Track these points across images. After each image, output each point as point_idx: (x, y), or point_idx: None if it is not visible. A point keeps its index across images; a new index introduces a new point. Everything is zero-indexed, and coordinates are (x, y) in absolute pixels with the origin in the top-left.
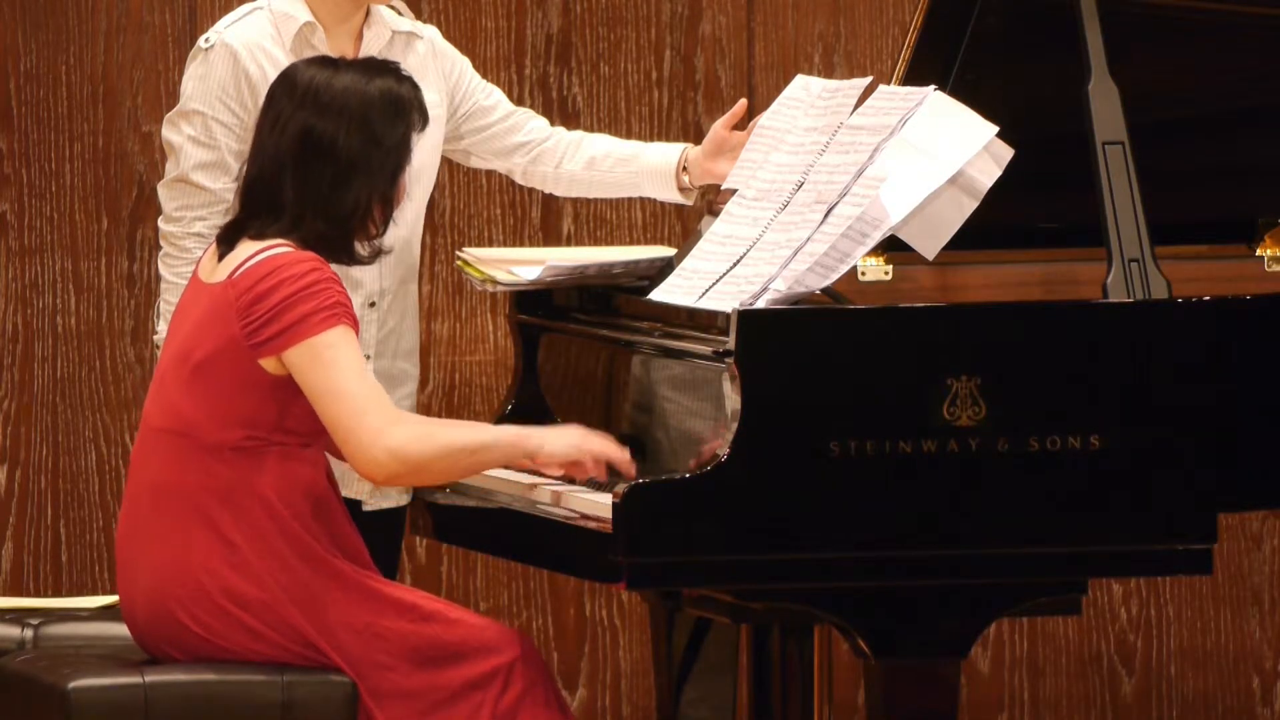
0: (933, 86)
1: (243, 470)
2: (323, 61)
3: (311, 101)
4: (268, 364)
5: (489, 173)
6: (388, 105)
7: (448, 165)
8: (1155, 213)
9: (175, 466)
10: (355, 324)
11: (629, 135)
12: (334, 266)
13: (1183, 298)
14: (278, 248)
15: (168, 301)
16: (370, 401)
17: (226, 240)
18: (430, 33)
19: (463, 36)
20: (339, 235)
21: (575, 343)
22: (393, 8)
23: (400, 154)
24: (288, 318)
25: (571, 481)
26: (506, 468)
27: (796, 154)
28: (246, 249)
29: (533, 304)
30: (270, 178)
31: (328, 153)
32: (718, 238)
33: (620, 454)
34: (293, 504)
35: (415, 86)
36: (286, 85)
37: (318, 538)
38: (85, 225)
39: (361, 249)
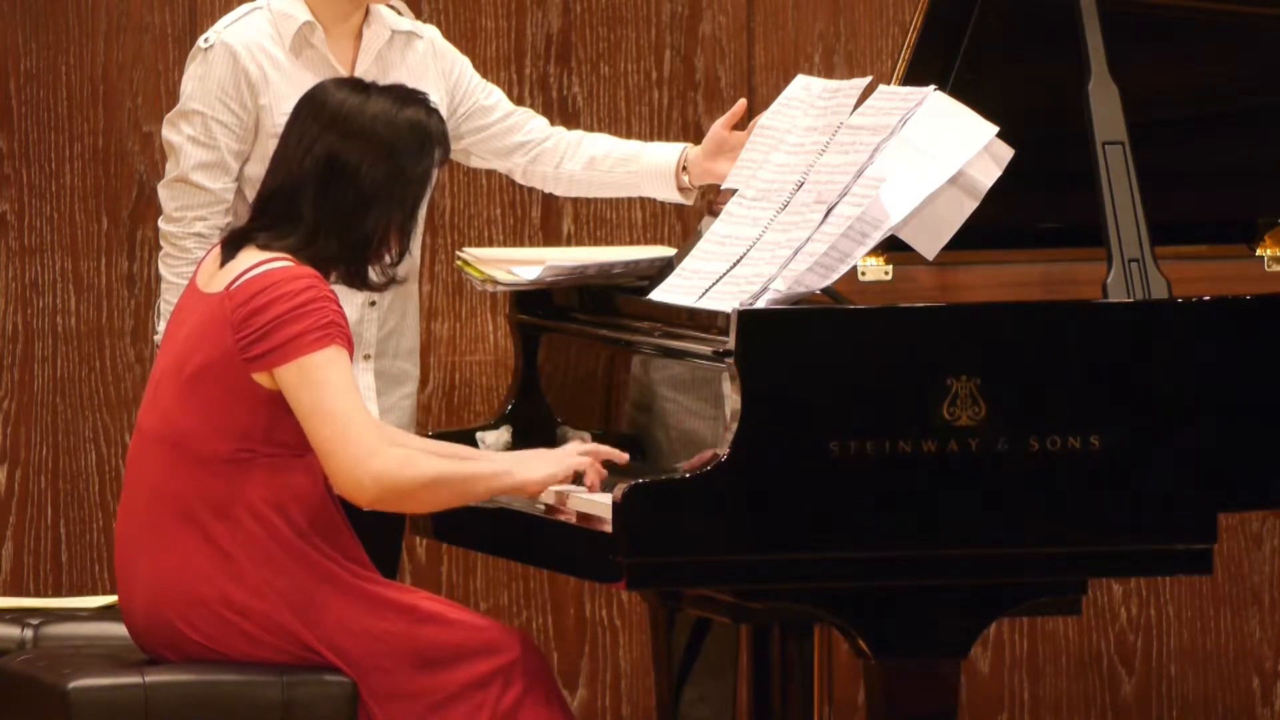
0: (933, 86)
1: (236, 481)
2: (354, 85)
3: (340, 125)
4: (261, 378)
5: (489, 173)
6: (415, 138)
7: (448, 165)
8: (1155, 213)
9: (169, 476)
10: (349, 343)
11: (629, 135)
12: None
13: (1183, 298)
14: (278, 261)
15: (168, 301)
16: (357, 425)
17: (231, 246)
18: (430, 32)
19: (463, 36)
20: (353, 259)
21: (575, 343)
22: (392, 7)
23: (422, 186)
24: (280, 335)
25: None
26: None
27: (796, 154)
28: (249, 259)
29: (533, 304)
30: (289, 194)
31: (351, 179)
32: (718, 238)
33: (603, 451)
34: (287, 512)
35: (442, 120)
36: (315, 105)
37: (314, 544)
38: (85, 225)
39: (375, 276)
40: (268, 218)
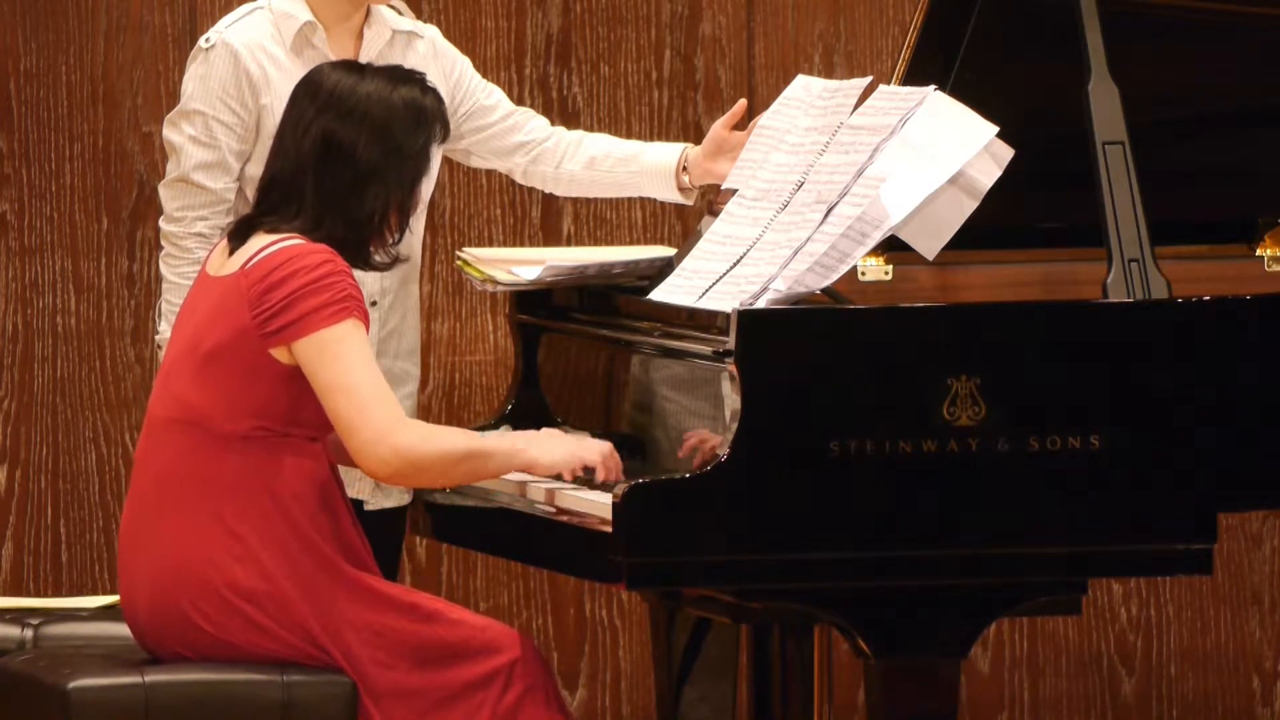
0: (933, 86)
1: (253, 461)
2: (349, 66)
3: (335, 106)
4: (279, 354)
5: (489, 173)
6: (410, 115)
7: (448, 165)
8: (1155, 213)
9: (183, 456)
10: (365, 317)
11: (629, 135)
12: None
13: (1183, 298)
14: (291, 239)
15: (169, 302)
16: (377, 398)
17: (239, 235)
18: (431, 32)
19: (463, 36)
20: (356, 240)
21: (575, 343)
22: (393, 7)
23: (419, 163)
24: (298, 309)
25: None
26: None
27: (796, 154)
28: (259, 241)
29: (533, 304)
30: (290, 178)
31: (348, 158)
32: (718, 238)
33: (612, 467)
34: (301, 497)
35: (439, 98)
36: (310, 88)
37: (322, 534)
38: (85, 225)
39: (378, 255)
40: (271, 203)
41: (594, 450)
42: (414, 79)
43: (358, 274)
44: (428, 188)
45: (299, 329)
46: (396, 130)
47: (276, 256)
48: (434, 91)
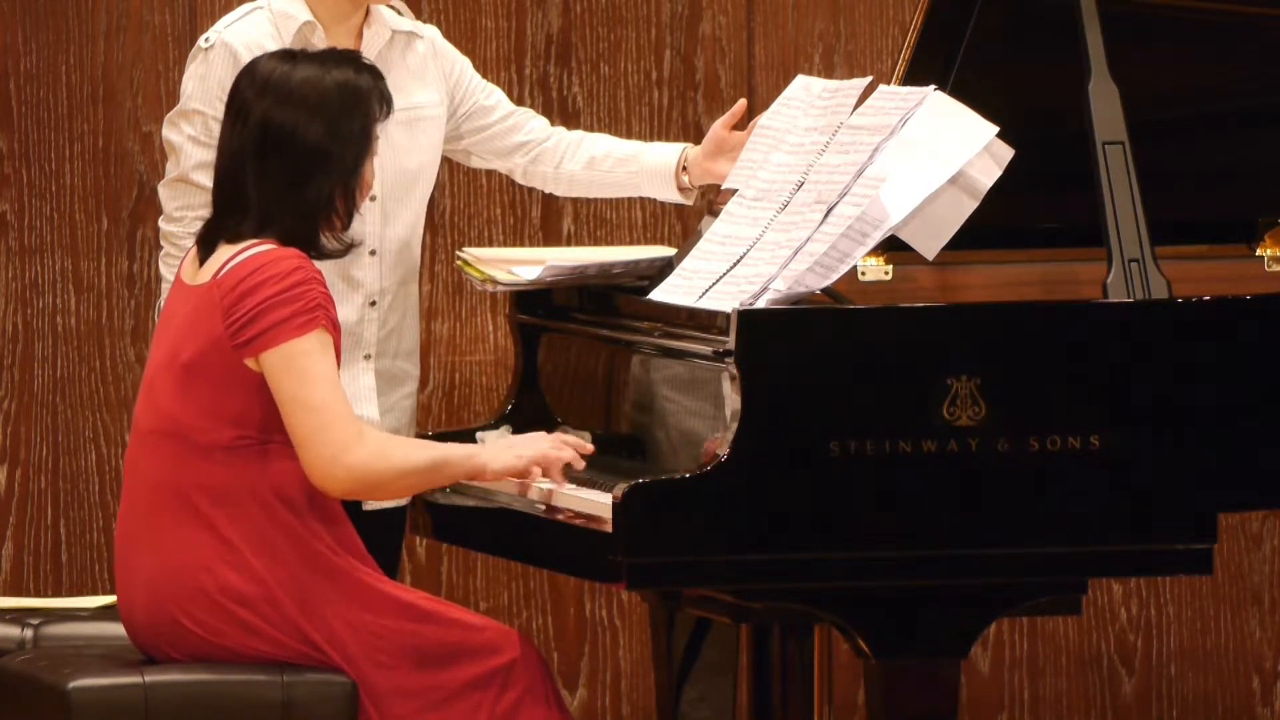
0: (933, 86)
1: (236, 469)
2: (283, 54)
3: (271, 94)
4: (251, 364)
5: (489, 173)
6: (345, 95)
7: (448, 165)
8: (1155, 213)
9: (169, 467)
10: (334, 327)
11: (629, 135)
12: (331, 264)
13: (1183, 298)
14: (259, 245)
15: None
16: (335, 416)
17: (205, 243)
18: (430, 33)
19: (463, 36)
20: (308, 231)
21: (575, 343)
22: (393, 7)
23: (360, 144)
24: (267, 320)
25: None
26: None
27: (796, 154)
28: (226, 251)
29: (533, 304)
30: (235, 174)
31: (287, 145)
32: (718, 238)
33: (568, 453)
34: (289, 501)
35: (376, 75)
36: (248, 79)
37: (316, 534)
38: (85, 225)
39: (328, 242)
40: (222, 206)
41: (543, 447)
42: (348, 60)
43: (358, 274)
44: (426, 184)
45: (266, 340)
46: (333, 112)
47: (247, 265)
48: (370, 69)
